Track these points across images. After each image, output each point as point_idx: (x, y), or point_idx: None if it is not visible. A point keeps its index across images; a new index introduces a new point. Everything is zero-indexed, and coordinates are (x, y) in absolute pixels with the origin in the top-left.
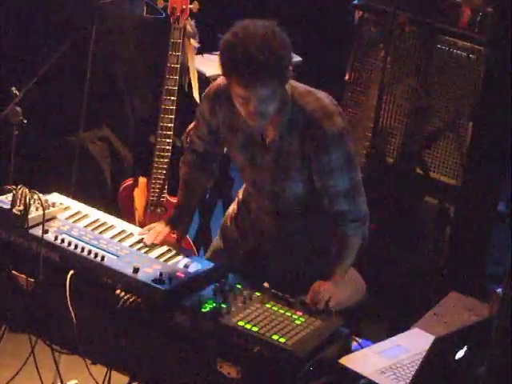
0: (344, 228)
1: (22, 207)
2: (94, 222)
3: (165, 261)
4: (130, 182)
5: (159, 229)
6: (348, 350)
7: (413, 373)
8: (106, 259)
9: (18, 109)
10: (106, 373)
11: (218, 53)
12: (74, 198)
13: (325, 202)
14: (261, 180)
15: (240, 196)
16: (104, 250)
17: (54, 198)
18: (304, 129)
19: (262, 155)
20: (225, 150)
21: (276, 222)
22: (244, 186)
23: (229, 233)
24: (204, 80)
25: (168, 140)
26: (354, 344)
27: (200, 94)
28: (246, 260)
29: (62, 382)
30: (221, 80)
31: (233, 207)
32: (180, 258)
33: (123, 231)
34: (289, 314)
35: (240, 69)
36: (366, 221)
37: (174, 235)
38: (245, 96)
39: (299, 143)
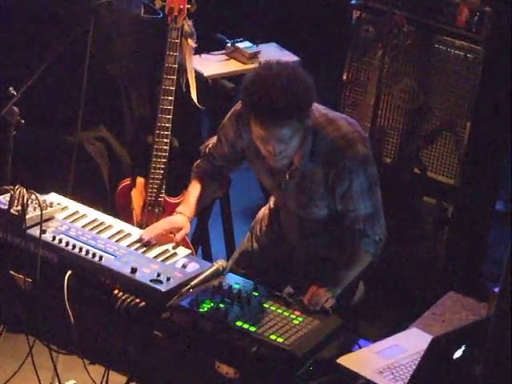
0: (358, 242)
1: (19, 207)
2: (92, 222)
3: (162, 261)
4: (127, 182)
5: (158, 225)
6: (347, 350)
7: (411, 372)
8: (103, 259)
9: (16, 109)
10: (104, 373)
11: (215, 53)
12: (71, 198)
13: (345, 221)
14: (287, 204)
15: (271, 204)
16: (102, 250)
17: (52, 198)
18: (326, 158)
19: (286, 182)
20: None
21: (303, 238)
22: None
23: (258, 238)
24: (202, 80)
25: (166, 140)
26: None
27: (197, 94)
28: (273, 266)
29: (59, 382)
30: None
31: (263, 212)
32: (178, 258)
33: (121, 231)
34: (287, 314)
35: (259, 111)
36: (380, 243)
37: (172, 235)
38: (264, 136)
39: (322, 172)
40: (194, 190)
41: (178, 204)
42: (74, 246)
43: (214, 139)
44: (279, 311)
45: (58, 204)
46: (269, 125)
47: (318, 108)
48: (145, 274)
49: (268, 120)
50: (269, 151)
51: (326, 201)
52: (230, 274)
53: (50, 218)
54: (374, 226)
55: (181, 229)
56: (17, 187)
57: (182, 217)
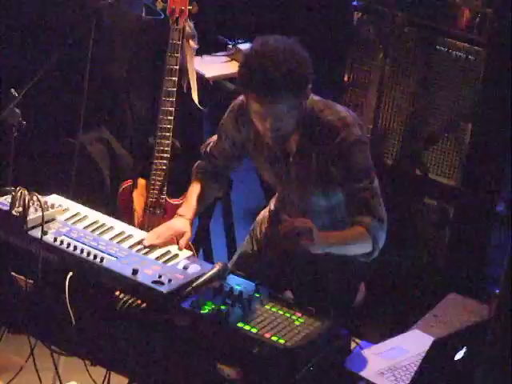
0: (363, 217)
1: (21, 209)
2: (93, 223)
3: (164, 262)
4: (129, 183)
5: (160, 232)
6: (348, 351)
7: (412, 374)
8: (105, 261)
9: (17, 110)
10: (106, 374)
11: (217, 54)
12: (73, 199)
13: (344, 207)
14: (289, 195)
15: (272, 206)
16: (103, 252)
17: (53, 199)
18: (322, 139)
19: (287, 171)
20: (240, 163)
21: None
22: (276, 195)
23: (258, 240)
24: (203, 81)
25: (167, 141)
26: (354, 345)
27: (199, 96)
28: (273, 268)
29: (61, 383)
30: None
31: (263, 215)
32: (179, 259)
33: (122, 232)
34: (288, 315)
35: (256, 84)
36: (381, 223)
37: (174, 239)
38: (261, 112)
39: (317, 155)
40: (195, 191)
41: (179, 206)
42: (75, 248)
43: (213, 138)
44: (280, 312)
45: (60, 205)
46: (265, 99)
47: (318, 97)
48: (146, 276)
49: (264, 93)
50: (265, 128)
51: (320, 186)
52: (231, 275)
53: (52, 220)
54: (373, 207)
55: (183, 233)
56: (18, 188)
57: (184, 220)
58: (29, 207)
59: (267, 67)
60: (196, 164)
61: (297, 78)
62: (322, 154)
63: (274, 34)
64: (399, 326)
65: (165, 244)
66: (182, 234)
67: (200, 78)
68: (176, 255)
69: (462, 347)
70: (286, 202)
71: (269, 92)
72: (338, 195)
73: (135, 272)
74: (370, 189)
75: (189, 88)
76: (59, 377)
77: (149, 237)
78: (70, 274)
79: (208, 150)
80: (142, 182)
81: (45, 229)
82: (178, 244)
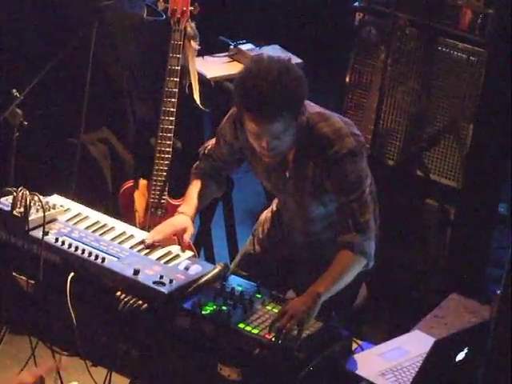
0: (346, 236)
1: (22, 209)
2: (95, 223)
3: (165, 263)
4: (130, 183)
5: (161, 229)
6: (349, 352)
7: (413, 375)
8: (106, 261)
9: (19, 111)
10: (107, 375)
11: (218, 55)
12: (74, 199)
13: (334, 216)
14: (288, 204)
15: (274, 206)
16: (104, 252)
17: (55, 199)
18: (317, 152)
19: (284, 182)
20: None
21: (306, 237)
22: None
23: (260, 240)
24: (204, 82)
25: (168, 142)
26: (355, 346)
27: (200, 96)
28: (275, 269)
29: (62, 383)
30: None
31: (266, 215)
32: (180, 260)
33: (124, 233)
34: None
35: (251, 104)
36: (368, 234)
37: (175, 237)
38: (257, 131)
39: (313, 167)
40: (194, 189)
41: (180, 206)
42: (76, 248)
43: (212, 141)
44: None
45: (61, 206)
46: (261, 119)
47: (313, 107)
48: (147, 276)
49: (260, 114)
50: (262, 147)
51: (319, 197)
52: (232, 276)
53: (53, 220)
54: (362, 216)
55: (184, 230)
56: (20, 189)
57: (185, 217)
58: (30, 208)
59: (262, 88)
60: (195, 165)
61: (292, 97)
62: (317, 166)
63: (274, 35)
64: (400, 327)
65: (166, 241)
66: (183, 231)
67: (201, 78)
68: (177, 256)
69: (463, 348)
70: (285, 209)
71: (264, 113)
72: (335, 202)
73: (136, 272)
74: (359, 199)
75: (190, 89)
76: (60, 377)
77: (150, 235)
78: (72, 274)
79: (206, 151)
80: (143, 182)
81: (46, 229)
82: (180, 241)
